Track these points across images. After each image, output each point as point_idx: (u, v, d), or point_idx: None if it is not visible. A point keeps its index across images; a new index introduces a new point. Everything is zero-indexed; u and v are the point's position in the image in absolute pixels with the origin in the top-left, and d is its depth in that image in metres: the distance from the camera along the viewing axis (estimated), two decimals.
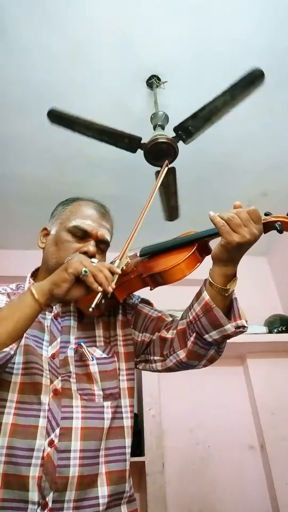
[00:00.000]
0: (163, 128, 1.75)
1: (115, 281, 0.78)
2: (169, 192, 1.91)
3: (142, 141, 1.71)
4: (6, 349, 0.73)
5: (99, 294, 0.74)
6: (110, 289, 0.74)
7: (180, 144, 1.73)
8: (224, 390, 2.26)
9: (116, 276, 0.80)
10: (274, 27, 1.64)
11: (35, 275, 1.06)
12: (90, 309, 0.73)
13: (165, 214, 2.06)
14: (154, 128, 1.77)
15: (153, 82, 1.79)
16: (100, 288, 0.73)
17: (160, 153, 1.71)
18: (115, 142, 1.73)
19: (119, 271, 0.79)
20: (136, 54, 1.71)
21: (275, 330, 2.34)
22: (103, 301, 0.76)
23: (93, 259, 0.80)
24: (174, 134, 1.70)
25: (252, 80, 1.52)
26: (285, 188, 2.44)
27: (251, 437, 2.15)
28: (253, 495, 1.98)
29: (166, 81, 1.80)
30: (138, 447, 1.89)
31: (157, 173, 1.87)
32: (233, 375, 2.34)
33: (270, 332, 2.34)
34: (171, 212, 2.04)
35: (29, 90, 1.82)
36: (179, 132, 1.67)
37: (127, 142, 1.72)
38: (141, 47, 1.70)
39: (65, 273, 0.73)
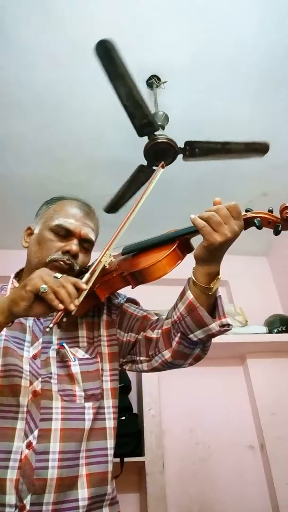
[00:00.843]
0: (163, 128, 1.75)
1: (81, 298, 0.74)
2: (220, 151, 1.78)
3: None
4: None
5: (59, 312, 0.71)
6: (72, 307, 0.70)
7: (180, 143, 1.73)
8: (224, 390, 2.26)
9: (85, 292, 0.75)
10: (274, 27, 1.64)
11: (19, 275, 1.05)
12: (48, 329, 0.71)
13: (253, 157, 1.88)
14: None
15: (153, 82, 1.79)
16: (61, 306, 0.69)
17: (160, 153, 1.72)
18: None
19: (85, 286, 0.74)
20: (136, 54, 1.71)
21: (275, 330, 2.34)
22: (64, 319, 0.72)
23: (56, 274, 0.74)
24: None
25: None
26: (285, 188, 2.44)
27: (251, 437, 2.14)
28: (253, 495, 1.97)
29: (166, 81, 1.81)
30: (138, 447, 1.89)
31: (185, 159, 1.84)
32: (233, 375, 2.34)
33: (270, 332, 2.34)
34: (254, 149, 1.83)
35: (29, 90, 1.82)
36: (145, 132, 1.67)
37: (142, 175, 1.79)
38: (141, 47, 1.70)
39: (23, 290, 0.70)
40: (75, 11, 1.57)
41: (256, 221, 0.77)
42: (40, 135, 2.02)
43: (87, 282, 0.79)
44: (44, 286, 0.69)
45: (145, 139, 1.73)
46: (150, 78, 1.80)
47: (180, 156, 1.77)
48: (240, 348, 2.25)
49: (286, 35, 1.66)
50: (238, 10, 1.58)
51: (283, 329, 2.34)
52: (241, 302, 2.57)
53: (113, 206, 1.99)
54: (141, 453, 1.88)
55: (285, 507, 1.85)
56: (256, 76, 1.81)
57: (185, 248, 0.87)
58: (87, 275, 0.81)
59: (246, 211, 0.80)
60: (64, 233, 0.96)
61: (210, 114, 1.96)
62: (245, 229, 0.79)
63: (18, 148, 2.09)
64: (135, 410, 2.13)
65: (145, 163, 1.78)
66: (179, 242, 0.85)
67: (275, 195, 2.48)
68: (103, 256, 0.86)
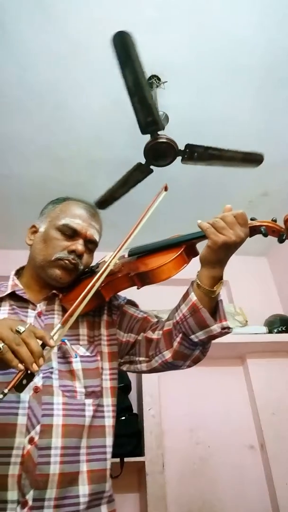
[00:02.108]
0: (163, 128, 1.75)
1: (48, 354, 0.67)
2: (218, 158, 1.82)
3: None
4: None
5: (19, 373, 0.62)
6: (34, 368, 0.61)
7: (180, 145, 1.73)
8: (224, 390, 2.26)
9: (52, 350, 0.67)
10: (274, 27, 1.64)
11: (19, 273, 1.05)
12: (1, 396, 0.60)
13: (247, 167, 1.91)
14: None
15: (153, 82, 1.79)
16: (20, 366, 0.61)
17: (160, 153, 1.72)
18: (133, 183, 1.84)
19: (53, 343, 0.66)
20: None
21: (275, 330, 2.34)
22: (24, 381, 0.62)
23: (19, 327, 0.64)
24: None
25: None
26: (285, 188, 2.44)
27: (251, 437, 2.14)
28: (253, 495, 1.98)
29: (166, 81, 1.81)
30: (138, 447, 1.89)
31: (183, 161, 1.84)
32: (233, 375, 2.34)
33: (270, 332, 2.34)
34: (249, 159, 1.86)
35: (29, 90, 1.82)
36: (148, 130, 1.67)
37: (139, 173, 1.79)
38: (141, 47, 1.69)
39: None
40: (76, 11, 1.56)
41: (262, 229, 0.82)
42: (40, 135, 2.02)
43: (57, 333, 0.71)
44: (0, 345, 0.61)
45: (145, 139, 1.73)
46: (150, 78, 1.79)
47: (178, 157, 1.77)
48: (240, 348, 2.25)
49: (286, 35, 1.66)
50: (238, 10, 1.58)
51: (283, 329, 2.34)
52: (241, 302, 2.57)
53: (104, 202, 1.95)
54: (141, 453, 1.88)
55: (285, 507, 1.85)
56: (256, 76, 1.81)
57: (191, 252, 0.90)
58: (57, 327, 0.73)
59: (251, 219, 0.84)
60: (71, 233, 0.98)
61: (210, 114, 1.96)
62: (250, 236, 0.83)
63: (18, 148, 2.09)
64: (135, 410, 2.13)
65: (144, 162, 1.78)
66: (186, 246, 0.89)
67: (275, 195, 2.48)
68: (107, 267, 0.86)
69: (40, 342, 0.64)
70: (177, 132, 1.79)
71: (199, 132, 1.97)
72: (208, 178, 2.34)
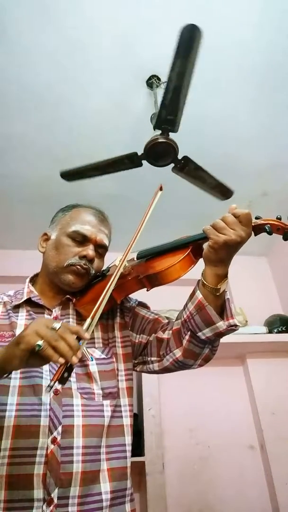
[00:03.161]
0: (176, 131, 1.75)
1: (83, 347, 0.70)
2: (201, 178, 1.87)
3: (140, 153, 1.73)
4: None
5: (61, 366, 0.65)
6: (74, 360, 0.64)
7: (180, 145, 1.73)
8: (224, 390, 2.26)
9: (85, 342, 0.71)
10: (274, 27, 1.64)
11: (34, 280, 1.08)
12: (48, 389, 0.67)
13: (218, 197, 1.98)
14: (154, 128, 1.77)
15: (153, 82, 1.79)
16: (61, 360, 0.63)
17: (160, 153, 1.72)
18: (120, 168, 1.78)
19: (87, 336, 0.70)
20: (136, 54, 1.72)
21: (275, 330, 2.34)
22: (66, 374, 0.65)
23: (54, 324, 0.67)
24: (160, 131, 1.69)
25: (190, 38, 1.43)
26: (285, 188, 2.44)
27: (251, 437, 2.14)
28: (253, 495, 1.97)
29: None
30: (138, 447, 1.89)
31: (174, 170, 1.85)
32: (233, 375, 2.34)
33: (270, 332, 2.34)
34: (220, 191, 1.96)
35: (29, 90, 1.82)
36: (163, 126, 1.66)
37: (128, 162, 1.77)
38: (141, 47, 1.70)
39: (16, 349, 0.65)
40: (75, 12, 1.56)
41: (266, 227, 0.82)
42: (40, 135, 2.02)
43: (87, 329, 0.74)
44: (40, 342, 0.63)
45: (144, 139, 1.73)
46: (150, 78, 1.80)
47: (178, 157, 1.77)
48: (240, 348, 2.25)
49: (286, 35, 1.66)
50: (238, 10, 1.58)
51: (283, 329, 2.34)
52: (241, 302, 2.57)
53: (73, 175, 1.86)
54: (141, 453, 1.88)
55: (285, 507, 1.85)
56: (256, 76, 1.81)
57: (198, 253, 0.92)
58: (88, 321, 0.75)
59: (256, 218, 0.85)
60: (81, 239, 1.01)
61: (210, 114, 1.96)
62: (255, 235, 0.85)
63: (18, 148, 2.09)
64: (135, 410, 2.12)
65: (145, 163, 1.78)
66: (192, 247, 0.90)
67: (275, 195, 2.48)
68: (117, 272, 0.88)
69: (74, 336, 0.67)
70: (177, 132, 1.78)
71: (199, 132, 1.97)
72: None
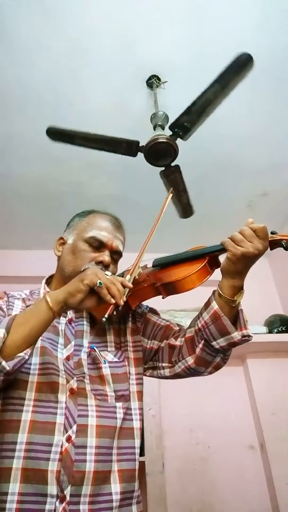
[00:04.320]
0: (163, 128, 1.75)
1: (126, 294, 0.81)
2: (178, 190, 1.91)
3: (141, 144, 1.71)
4: (21, 354, 0.77)
5: (112, 306, 0.78)
6: (121, 302, 0.77)
7: (180, 143, 1.73)
8: (224, 390, 2.26)
9: (127, 290, 0.83)
10: (274, 27, 1.64)
11: (48, 282, 1.11)
12: (104, 319, 0.77)
13: (179, 212, 2.05)
14: (154, 128, 1.77)
15: (153, 82, 1.79)
16: (112, 300, 0.77)
17: (160, 153, 1.71)
18: (114, 149, 1.74)
19: (131, 285, 0.83)
20: (136, 54, 1.71)
21: (275, 330, 2.34)
22: (114, 312, 0.79)
23: (107, 272, 0.84)
24: (171, 133, 1.70)
25: (241, 65, 1.49)
26: (285, 188, 2.44)
27: (251, 437, 2.14)
28: (253, 495, 1.98)
29: (166, 81, 1.80)
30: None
31: (161, 173, 1.86)
32: (233, 375, 2.34)
33: (270, 332, 2.34)
34: (185, 209, 2.03)
35: (29, 90, 1.82)
36: (176, 129, 1.67)
37: (126, 147, 1.73)
38: (141, 47, 1.70)
39: (81, 284, 0.77)
40: (75, 11, 1.56)
41: (283, 243, 0.86)
42: (40, 135, 2.01)
43: (130, 281, 0.86)
44: (100, 281, 0.77)
45: (144, 139, 1.72)
46: (150, 78, 1.79)
47: (179, 157, 1.77)
48: (240, 348, 2.19)
49: (286, 35, 1.66)
50: (238, 10, 1.58)
51: (283, 329, 2.34)
52: (241, 302, 2.56)
53: (59, 135, 1.72)
54: (141, 453, 1.87)
55: (285, 507, 1.85)
56: (256, 76, 1.80)
57: (214, 263, 0.95)
58: (128, 276, 0.89)
59: (272, 233, 0.89)
60: (98, 245, 1.03)
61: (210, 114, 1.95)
62: (271, 249, 0.88)
63: (18, 148, 2.09)
64: None
65: (145, 163, 1.78)
66: (209, 258, 0.93)
67: (275, 195, 2.48)
68: (136, 264, 0.94)
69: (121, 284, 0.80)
70: (185, 141, 1.78)
71: (199, 132, 1.96)
72: (209, 178, 2.35)
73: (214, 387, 2.23)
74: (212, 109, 1.58)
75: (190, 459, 2.06)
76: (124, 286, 0.81)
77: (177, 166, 1.80)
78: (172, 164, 1.79)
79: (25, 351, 0.78)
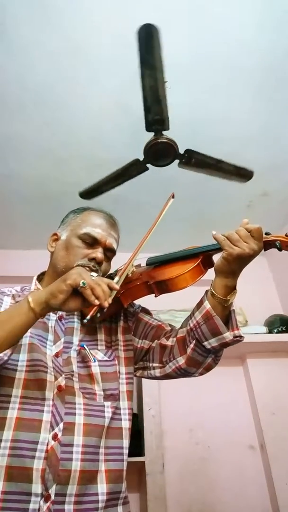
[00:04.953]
0: (168, 128, 1.75)
1: (112, 296, 0.78)
2: (212, 165, 1.85)
3: (141, 150, 1.74)
4: (0, 355, 0.76)
5: (95, 307, 0.74)
6: (106, 304, 0.73)
7: (180, 143, 1.73)
8: (224, 390, 2.26)
9: (114, 292, 0.79)
10: (274, 27, 1.64)
11: (40, 278, 1.09)
12: (85, 321, 0.74)
13: (236, 180, 1.98)
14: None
15: None
16: (96, 302, 0.72)
17: (160, 153, 1.72)
18: (128, 177, 1.82)
19: (117, 287, 0.79)
20: (136, 54, 1.71)
21: (275, 330, 2.34)
22: (98, 314, 0.75)
23: (92, 273, 0.80)
24: (153, 133, 1.72)
25: (148, 37, 1.44)
26: (285, 188, 2.44)
27: (251, 437, 2.14)
28: (253, 495, 1.97)
29: (166, 81, 1.80)
30: (138, 447, 1.89)
31: (180, 165, 1.85)
32: (233, 375, 2.34)
33: (270, 332, 2.34)
34: (239, 174, 1.95)
35: (29, 90, 1.82)
36: (153, 127, 1.67)
37: (134, 170, 1.79)
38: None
39: (63, 284, 0.73)
40: (75, 11, 1.56)
41: (277, 244, 0.86)
42: (40, 135, 2.02)
43: (117, 283, 0.82)
44: (84, 281, 0.73)
45: (144, 139, 1.73)
46: None
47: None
48: (240, 348, 2.25)
49: (286, 35, 1.66)
50: (238, 10, 1.58)
51: (283, 329, 2.34)
52: (241, 302, 2.56)
53: (90, 193, 1.93)
54: (141, 453, 1.88)
55: (285, 507, 1.85)
56: (256, 76, 1.81)
57: (208, 263, 0.95)
58: (117, 278, 0.85)
59: (266, 234, 0.88)
60: (91, 241, 1.02)
61: (210, 114, 1.95)
62: (265, 250, 0.88)
63: (18, 148, 2.09)
64: (135, 410, 2.12)
65: (148, 164, 1.78)
66: (203, 257, 0.92)
67: (275, 195, 2.48)
68: (128, 264, 0.92)
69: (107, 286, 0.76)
70: (177, 132, 1.78)
71: (199, 133, 1.97)
72: (208, 178, 2.34)
73: (214, 387, 2.23)
74: (161, 87, 1.54)
75: (190, 459, 2.06)
76: (110, 288, 0.77)
77: (189, 150, 1.77)
78: (171, 163, 1.80)
79: (4, 352, 0.77)
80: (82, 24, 1.61)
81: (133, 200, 2.41)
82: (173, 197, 1.09)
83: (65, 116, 1.94)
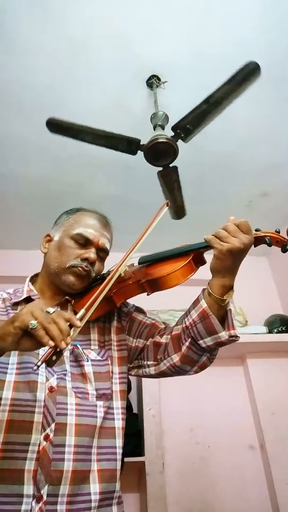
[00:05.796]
0: (163, 128, 1.75)
1: (74, 335, 0.70)
2: (173, 191, 1.91)
3: (142, 142, 1.71)
4: None
5: (49, 349, 0.66)
6: (63, 345, 0.65)
7: (180, 143, 1.73)
8: (224, 390, 2.26)
9: (77, 330, 0.71)
10: (273, 27, 1.64)
11: (34, 279, 1.09)
12: (35, 367, 0.68)
13: (172, 213, 2.06)
14: (154, 128, 1.77)
15: (153, 82, 1.79)
16: (51, 343, 0.65)
17: (160, 153, 1.72)
18: (114, 146, 1.74)
19: (79, 323, 0.70)
20: (136, 54, 1.72)
21: (275, 330, 2.34)
22: (54, 357, 0.67)
23: (49, 309, 0.70)
24: (173, 133, 1.70)
25: (248, 73, 1.50)
26: (285, 188, 2.44)
27: (251, 437, 2.14)
28: (253, 495, 1.98)
29: (166, 81, 1.81)
30: (138, 447, 1.89)
31: (159, 173, 1.87)
32: (233, 375, 2.34)
33: (270, 332, 2.34)
34: (178, 210, 2.04)
35: (29, 90, 1.82)
36: (178, 131, 1.67)
37: (126, 144, 1.72)
38: (141, 47, 1.70)
39: (11, 326, 0.67)
40: (75, 11, 1.57)
41: (266, 239, 0.87)
42: (40, 135, 2.02)
43: (81, 319, 0.74)
44: (34, 322, 0.66)
45: (144, 139, 1.73)
46: (150, 78, 1.80)
47: (178, 157, 1.77)
48: (240, 348, 2.25)
49: (286, 35, 1.66)
50: (238, 10, 1.58)
51: (283, 329, 2.34)
52: (241, 302, 2.57)
53: (59, 127, 1.70)
54: (141, 453, 1.88)
55: (285, 507, 1.85)
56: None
57: (199, 261, 0.95)
58: (81, 312, 0.76)
59: (256, 230, 0.89)
60: (84, 242, 1.02)
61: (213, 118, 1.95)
62: (255, 246, 0.88)
63: (18, 148, 2.10)
64: (135, 410, 2.13)
65: (145, 163, 1.78)
66: (194, 255, 0.93)
67: (275, 195, 2.48)
68: (121, 264, 0.91)
69: (67, 323, 0.68)
70: (186, 143, 1.78)
71: (199, 132, 1.96)
72: (208, 178, 2.35)
73: (214, 387, 2.24)
74: (216, 113, 1.59)
75: (190, 459, 2.06)
76: (71, 326, 0.68)
77: (175, 167, 1.80)
78: (171, 164, 1.80)
79: None
80: (82, 24, 1.61)
81: (133, 200, 2.41)
82: (167, 205, 1.09)
83: (65, 116, 1.93)
